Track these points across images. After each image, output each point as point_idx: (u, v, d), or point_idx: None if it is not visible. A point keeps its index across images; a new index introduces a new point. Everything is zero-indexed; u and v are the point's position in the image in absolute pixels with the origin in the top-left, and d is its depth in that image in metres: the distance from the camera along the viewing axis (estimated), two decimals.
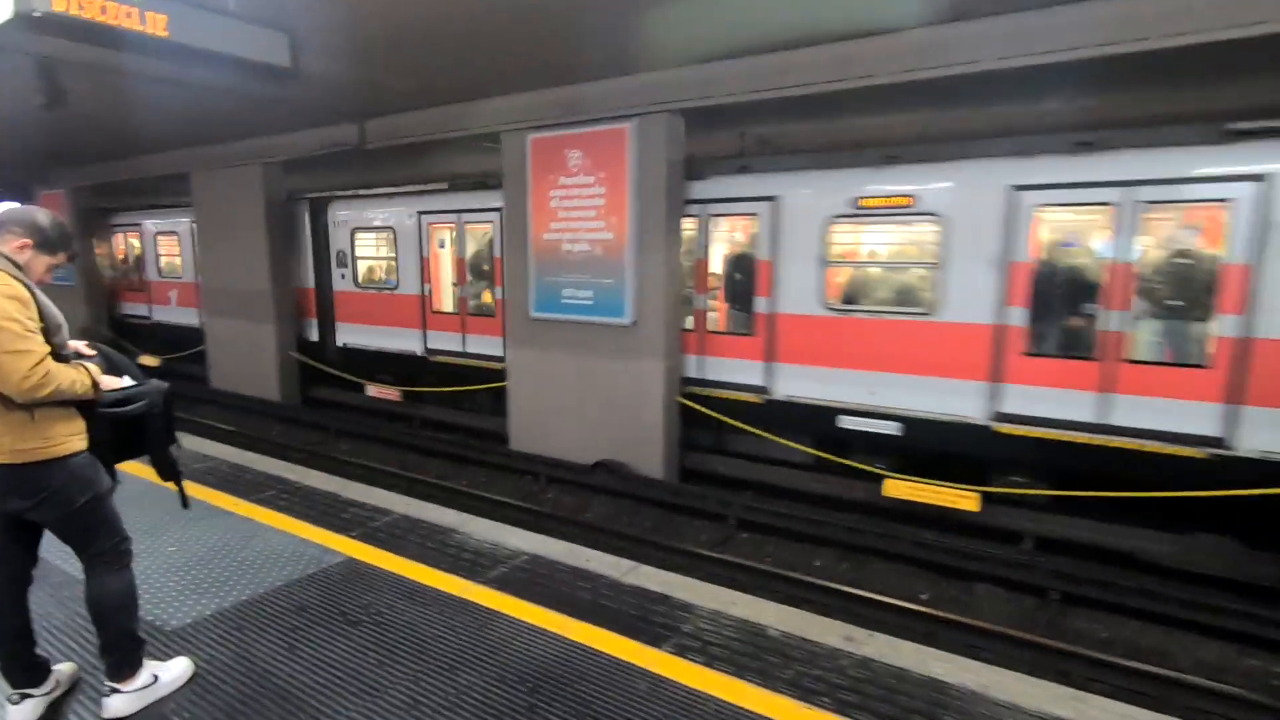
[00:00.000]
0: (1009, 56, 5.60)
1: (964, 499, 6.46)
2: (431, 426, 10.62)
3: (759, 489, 7.93)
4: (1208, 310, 5.74)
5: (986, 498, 6.44)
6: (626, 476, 8.01)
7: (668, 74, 7.17)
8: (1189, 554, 5.90)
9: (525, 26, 6.03)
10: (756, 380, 7.81)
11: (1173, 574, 5.90)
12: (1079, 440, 6.22)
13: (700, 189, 8.03)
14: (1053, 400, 6.33)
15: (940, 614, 5.49)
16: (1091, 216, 6.33)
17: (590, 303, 8.10)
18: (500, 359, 9.44)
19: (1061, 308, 6.37)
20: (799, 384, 7.59)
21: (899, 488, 6.75)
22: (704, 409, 8.00)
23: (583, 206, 7.93)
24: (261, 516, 4.57)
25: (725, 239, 8.24)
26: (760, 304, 7.72)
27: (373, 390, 11.06)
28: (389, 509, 4.71)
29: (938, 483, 6.61)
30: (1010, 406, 6.53)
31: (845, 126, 9.41)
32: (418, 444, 9.88)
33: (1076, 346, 6.29)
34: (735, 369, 7.96)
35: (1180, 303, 5.91)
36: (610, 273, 7.88)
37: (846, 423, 7.29)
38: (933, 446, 6.92)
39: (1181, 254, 5.92)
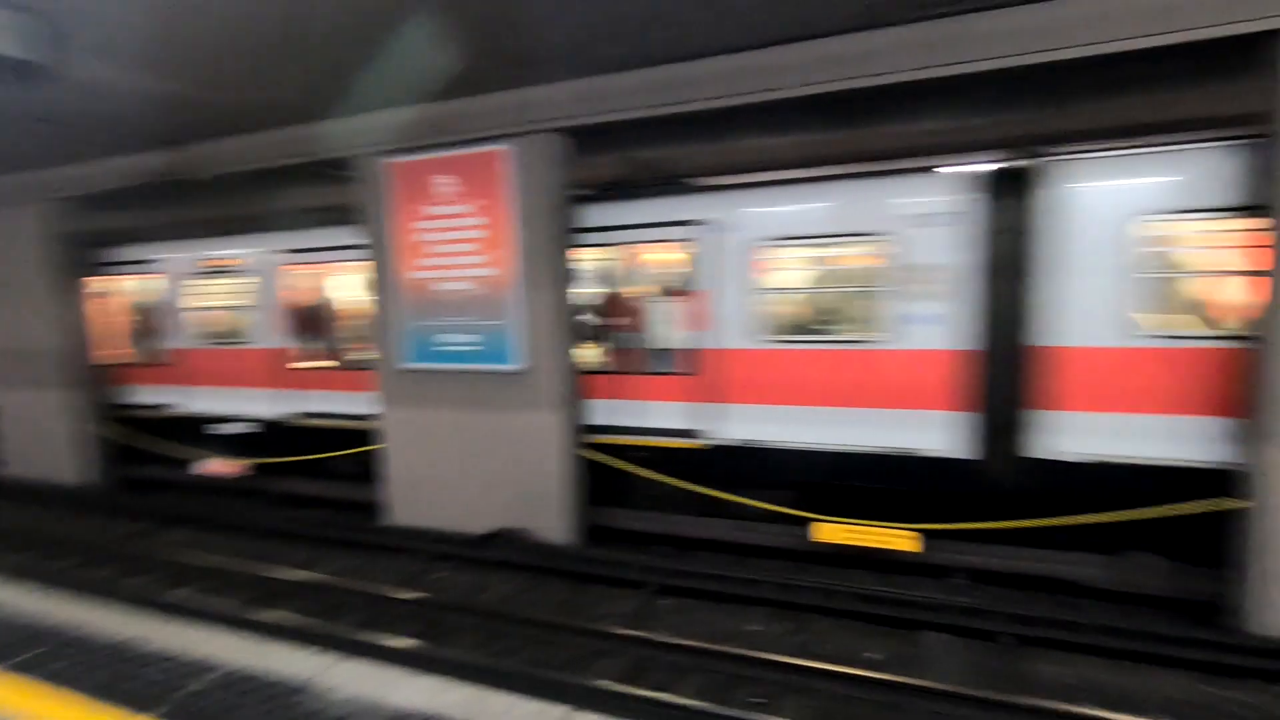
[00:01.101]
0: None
1: (901, 539, 6.00)
2: (291, 503, 8.97)
3: (674, 543, 7.17)
4: None
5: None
6: (527, 546, 6.95)
7: (550, 89, 6.36)
8: (1123, 576, 5.75)
9: (374, 31, 5.02)
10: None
11: (1111, 597, 5.75)
12: None
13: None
14: None
15: (899, 679, 4.87)
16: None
17: (472, 349, 7.03)
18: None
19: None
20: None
21: (830, 532, 6.20)
22: (614, 460, 7.13)
23: (458, 239, 6.90)
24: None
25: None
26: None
27: (207, 466, 9.21)
28: (214, 662, 3.39)
29: (872, 523, 6.13)
30: None
31: (738, 148, 9.07)
32: (276, 526, 8.24)
33: None
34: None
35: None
36: (495, 313, 6.88)
37: None
38: None
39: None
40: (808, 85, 5.69)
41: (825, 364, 6.49)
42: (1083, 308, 5.63)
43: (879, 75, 5.49)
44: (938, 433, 6.16)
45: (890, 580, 6.24)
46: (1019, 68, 5.13)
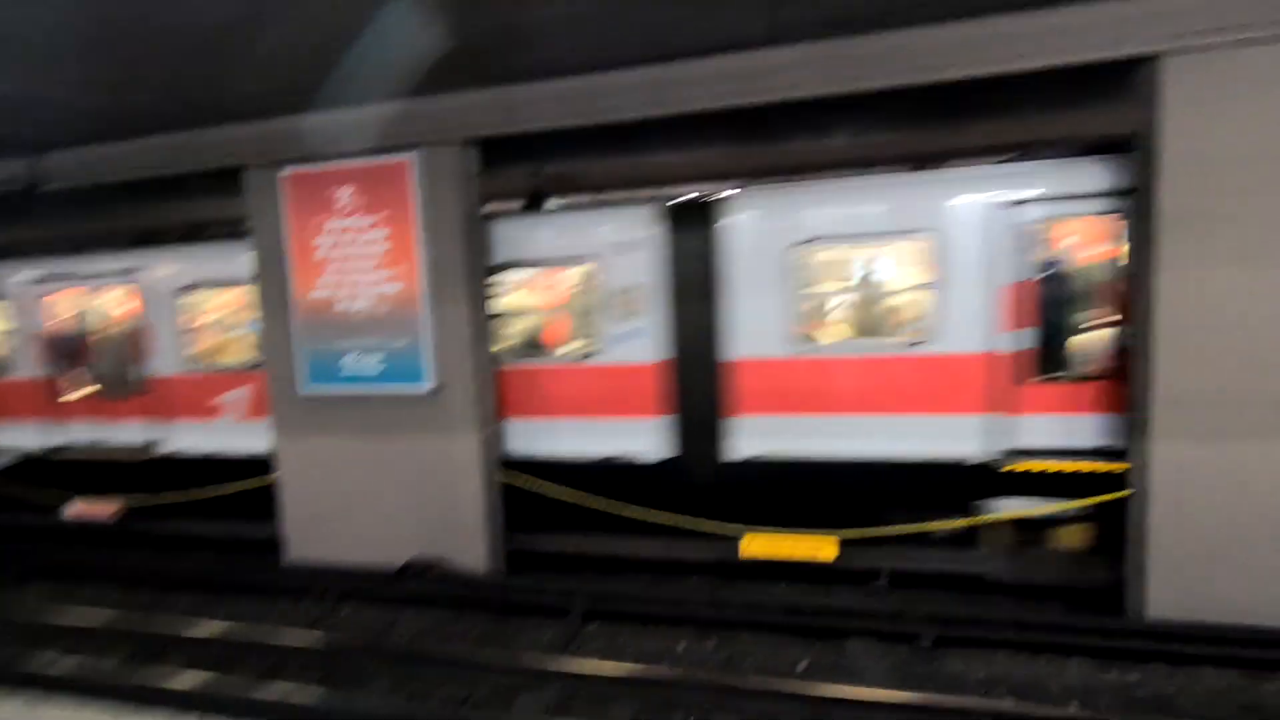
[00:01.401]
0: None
1: (823, 547, 6.05)
2: (178, 546, 8.15)
3: (600, 565, 6.98)
4: None
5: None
6: (443, 578, 6.57)
7: (458, 98, 6.13)
8: (1027, 569, 6.01)
9: (257, 31, 4.67)
10: None
11: (1017, 590, 5.99)
12: None
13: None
14: None
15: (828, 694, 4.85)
16: None
17: (379, 370, 6.64)
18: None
19: None
20: None
21: (757, 544, 6.18)
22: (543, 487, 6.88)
23: (361, 255, 6.52)
24: None
25: None
26: None
27: (74, 509, 8.26)
28: None
29: (795, 534, 6.16)
30: None
31: (653, 163, 9.08)
32: (158, 573, 7.45)
33: None
34: None
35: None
36: (402, 331, 6.52)
37: None
38: None
39: None
40: (718, 99, 5.73)
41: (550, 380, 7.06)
42: (753, 324, 6.49)
43: (786, 90, 5.59)
44: (642, 438, 6.83)
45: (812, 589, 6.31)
46: (919, 85, 5.34)
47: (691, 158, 8.81)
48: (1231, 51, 4.65)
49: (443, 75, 5.74)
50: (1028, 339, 5.95)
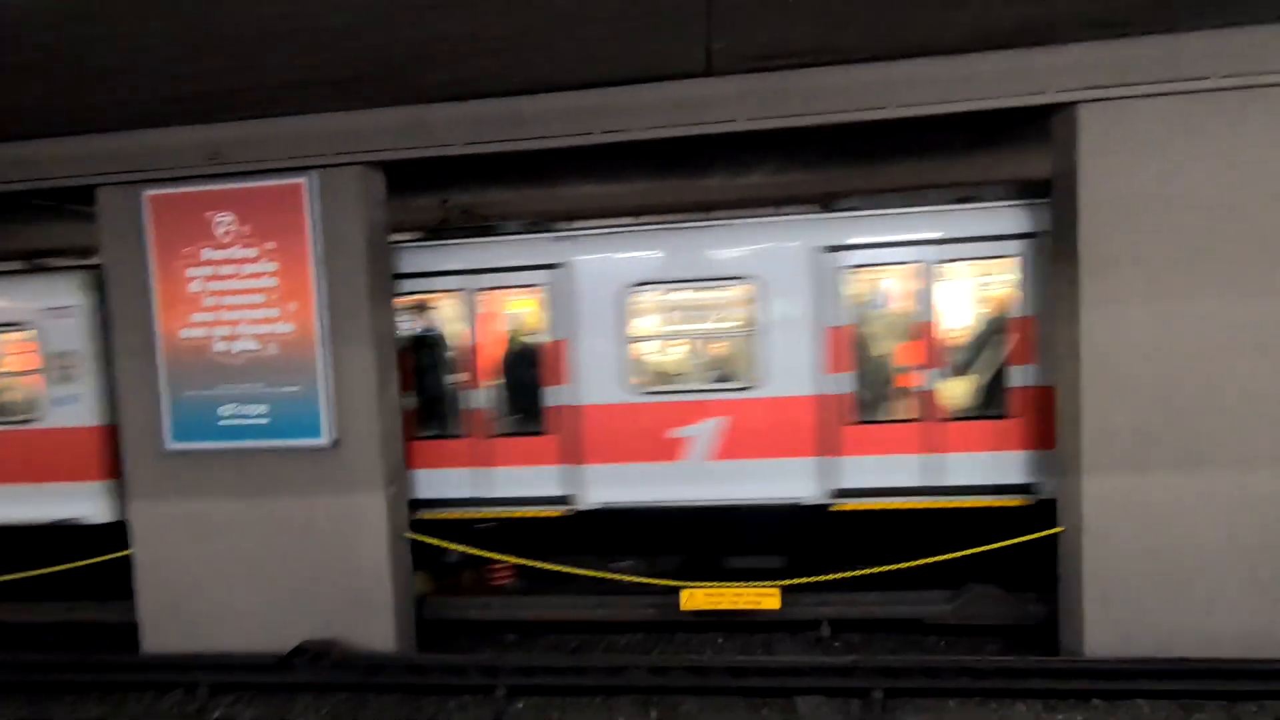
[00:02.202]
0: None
1: (766, 597, 5.75)
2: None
3: (526, 629, 6.37)
4: None
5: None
6: (344, 659, 5.70)
7: (363, 116, 5.51)
8: (966, 609, 5.96)
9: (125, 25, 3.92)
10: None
11: (957, 630, 5.94)
12: None
13: None
14: None
15: None
16: None
17: (265, 422, 5.77)
18: None
19: None
20: None
21: (698, 598, 5.79)
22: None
23: (245, 290, 5.67)
24: None
25: None
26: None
27: None
28: None
29: (737, 585, 5.83)
30: None
31: (563, 195, 8.71)
32: None
33: None
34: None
35: None
36: (294, 377, 5.71)
37: None
38: None
39: None
40: (648, 129, 5.44)
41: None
42: None
43: (718, 123, 5.39)
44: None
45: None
46: (851, 123, 5.29)
47: (608, 191, 8.56)
48: (1140, 102, 4.88)
49: (347, 89, 5.13)
50: (848, 383, 6.09)
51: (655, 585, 6.03)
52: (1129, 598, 5.16)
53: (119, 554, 6.20)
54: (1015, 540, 5.61)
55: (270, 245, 5.65)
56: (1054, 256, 5.43)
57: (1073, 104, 4.96)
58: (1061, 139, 5.18)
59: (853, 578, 5.96)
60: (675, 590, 5.93)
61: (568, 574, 6.27)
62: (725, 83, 5.18)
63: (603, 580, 6.20)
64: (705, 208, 9.12)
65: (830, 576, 6.01)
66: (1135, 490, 5.12)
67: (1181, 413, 5.04)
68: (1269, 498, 5.00)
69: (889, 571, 5.84)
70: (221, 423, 5.80)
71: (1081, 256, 5.04)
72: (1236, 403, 4.99)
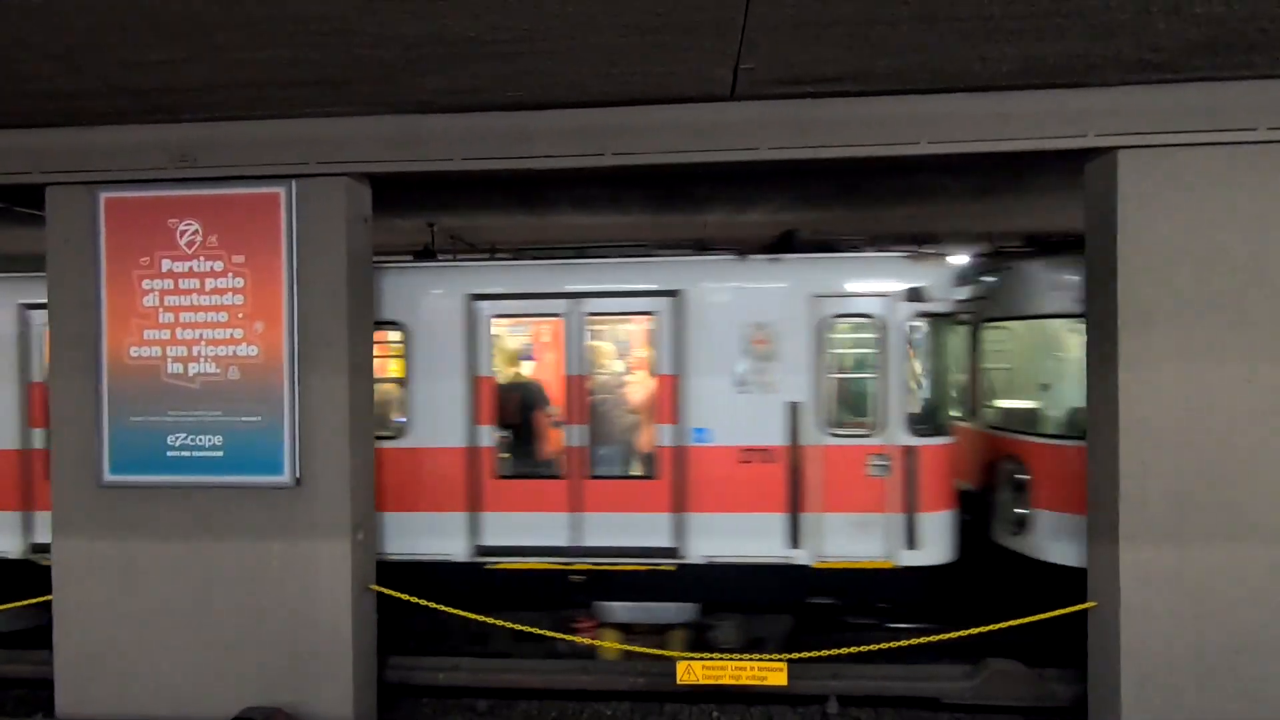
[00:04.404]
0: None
1: (772, 672, 5.20)
2: None
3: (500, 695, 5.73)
4: None
5: None
6: None
7: (350, 123, 5.05)
8: (986, 687, 5.49)
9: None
10: None
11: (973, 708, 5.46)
12: None
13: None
14: None
15: None
16: None
17: (219, 455, 5.13)
18: None
19: None
20: None
21: (696, 671, 5.22)
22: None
23: (207, 306, 5.09)
24: None
25: None
26: None
27: None
28: None
29: (738, 658, 5.28)
30: None
31: (556, 224, 8.32)
32: None
33: None
34: None
35: None
36: (256, 406, 5.10)
37: None
38: None
39: None
40: (665, 154, 5.07)
41: None
42: None
43: (737, 150, 5.04)
44: None
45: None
46: (879, 157, 4.99)
47: (603, 222, 8.19)
48: (1182, 150, 4.65)
49: (333, 92, 4.67)
50: (494, 436, 6.01)
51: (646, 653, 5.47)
52: (1169, 681, 4.74)
53: (38, 599, 5.46)
54: (1041, 616, 5.19)
55: (238, 259, 5.10)
56: (1088, 311, 5.14)
57: (1113, 149, 4.71)
58: (1098, 187, 4.93)
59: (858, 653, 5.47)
60: (669, 659, 5.38)
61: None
62: (749, 108, 4.84)
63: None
64: (701, 245, 8.82)
65: (832, 653, 5.50)
66: (1171, 561, 4.74)
67: (1216, 478, 4.71)
68: None
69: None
70: (170, 454, 5.15)
71: (1121, 311, 4.73)
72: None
